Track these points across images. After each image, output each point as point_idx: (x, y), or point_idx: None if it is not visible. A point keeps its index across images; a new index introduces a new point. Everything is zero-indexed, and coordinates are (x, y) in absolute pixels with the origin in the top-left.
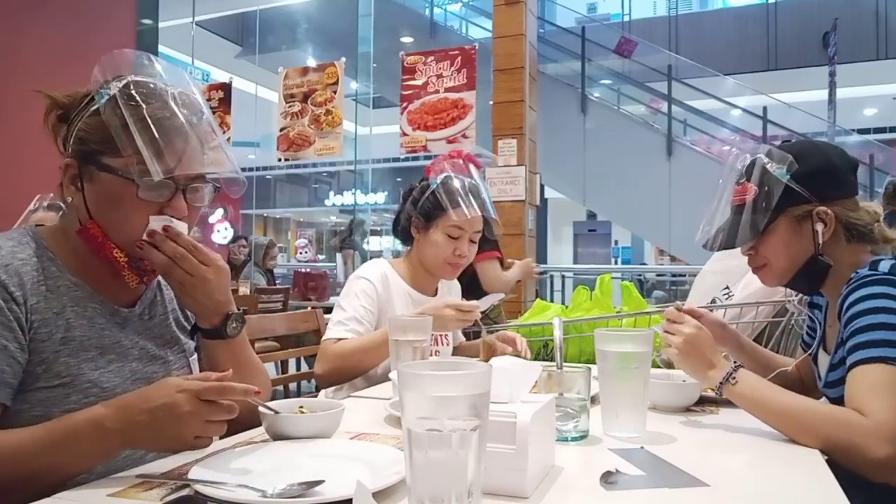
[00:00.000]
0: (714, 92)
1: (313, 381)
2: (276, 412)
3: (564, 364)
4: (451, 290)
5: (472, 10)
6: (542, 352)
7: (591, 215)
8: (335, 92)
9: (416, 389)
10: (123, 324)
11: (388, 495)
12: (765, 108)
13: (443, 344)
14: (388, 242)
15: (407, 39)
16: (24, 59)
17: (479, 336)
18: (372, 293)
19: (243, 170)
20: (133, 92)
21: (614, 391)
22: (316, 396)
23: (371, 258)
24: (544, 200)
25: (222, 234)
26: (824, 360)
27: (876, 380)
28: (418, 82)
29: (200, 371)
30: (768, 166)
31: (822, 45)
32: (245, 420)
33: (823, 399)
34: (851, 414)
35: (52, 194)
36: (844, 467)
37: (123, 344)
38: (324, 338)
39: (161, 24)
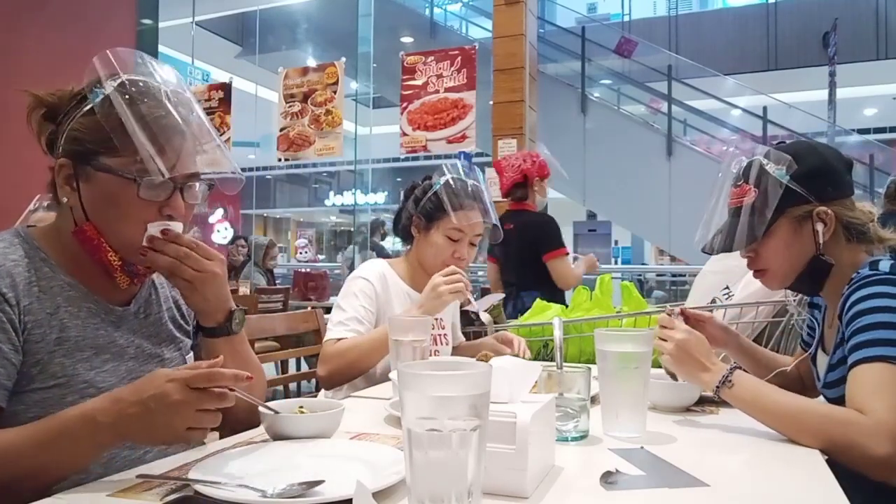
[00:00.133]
0: (714, 92)
1: (313, 381)
2: (276, 412)
3: (564, 364)
4: None
5: (472, 10)
6: (542, 352)
7: (591, 215)
8: (335, 92)
9: (416, 389)
10: (118, 322)
11: (388, 495)
12: (765, 108)
13: (443, 344)
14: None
15: (407, 39)
16: (24, 59)
17: (479, 336)
18: (371, 293)
19: (243, 170)
20: (130, 90)
21: (614, 391)
22: (316, 396)
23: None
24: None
25: (222, 234)
26: (823, 361)
27: (877, 379)
28: (418, 82)
29: None
30: (767, 167)
31: (822, 45)
32: (245, 420)
33: (822, 399)
34: (851, 413)
35: (51, 194)
36: (844, 467)
37: (119, 343)
38: (325, 339)
39: (161, 24)
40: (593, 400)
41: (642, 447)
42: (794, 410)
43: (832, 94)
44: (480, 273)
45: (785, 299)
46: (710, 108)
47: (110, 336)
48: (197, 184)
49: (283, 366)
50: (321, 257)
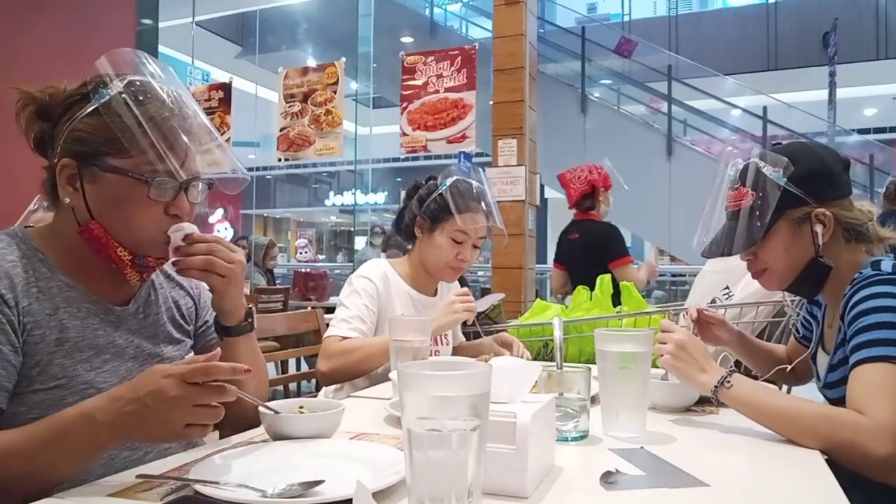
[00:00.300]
0: (714, 92)
1: (313, 380)
2: (276, 412)
3: (564, 364)
4: (450, 291)
5: (472, 10)
6: (542, 352)
7: None
8: (335, 92)
9: (416, 389)
10: (118, 323)
11: (388, 495)
12: (765, 108)
13: (443, 344)
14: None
15: (407, 39)
16: (25, 58)
17: (479, 336)
18: (373, 292)
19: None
20: (138, 92)
21: (614, 391)
22: (316, 396)
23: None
24: (544, 200)
25: (222, 234)
26: (823, 360)
27: (878, 379)
28: (418, 82)
29: None
30: (764, 170)
31: (822, 45)
32: (245, 420)
33: (822, 400)
34: (851, 413)
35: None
36: (844, 467)
37: (118, 343)
38: (326, 335)
39: (161, 24)
40: (593, 400)
41: (642, 447)
42: (793, 412)
43: (832, 94)
44: (481, 273)
45: (783, 300)
46: (710, 108)
47: (110, 336)
48: (199, 183)
49: (283, 366)
50: (321, 257)
